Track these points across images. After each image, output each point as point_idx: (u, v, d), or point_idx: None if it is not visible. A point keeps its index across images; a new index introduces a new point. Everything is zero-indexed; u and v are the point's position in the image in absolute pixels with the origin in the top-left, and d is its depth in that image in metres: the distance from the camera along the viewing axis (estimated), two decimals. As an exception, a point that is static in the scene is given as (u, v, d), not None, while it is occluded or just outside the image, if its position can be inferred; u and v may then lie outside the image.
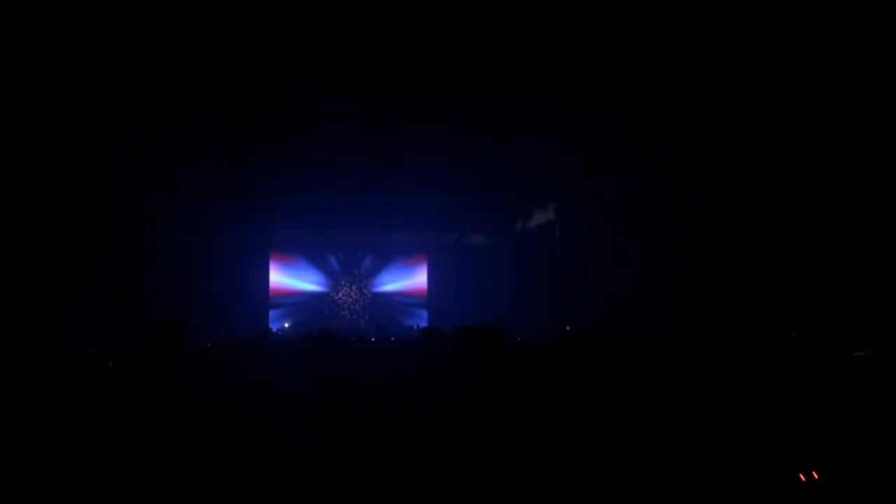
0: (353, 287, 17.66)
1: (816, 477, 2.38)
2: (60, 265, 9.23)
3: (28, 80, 7.47)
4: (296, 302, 17.35)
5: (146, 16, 6.62)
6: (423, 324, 16.85)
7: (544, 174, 12.41)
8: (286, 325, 16.80)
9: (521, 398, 3.93)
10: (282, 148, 11.29)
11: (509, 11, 6.78)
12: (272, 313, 16.98)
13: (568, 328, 12.74)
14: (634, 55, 7.54)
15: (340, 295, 17.62)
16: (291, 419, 3.38)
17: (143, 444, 2.81)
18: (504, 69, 8.09)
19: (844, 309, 7.05)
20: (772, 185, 8.40)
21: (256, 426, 3.15)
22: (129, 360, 4.97)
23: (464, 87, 8.79)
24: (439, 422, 3.23)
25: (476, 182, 12.90)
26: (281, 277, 17.34)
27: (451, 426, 3.17)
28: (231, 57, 7.62)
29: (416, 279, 17.84)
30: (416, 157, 12.11)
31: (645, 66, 7.74)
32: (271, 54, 7.61)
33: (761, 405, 3.45)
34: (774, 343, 5.58)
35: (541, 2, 6.65)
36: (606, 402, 3.63)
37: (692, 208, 9.86)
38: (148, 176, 11.24)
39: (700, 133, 8.95)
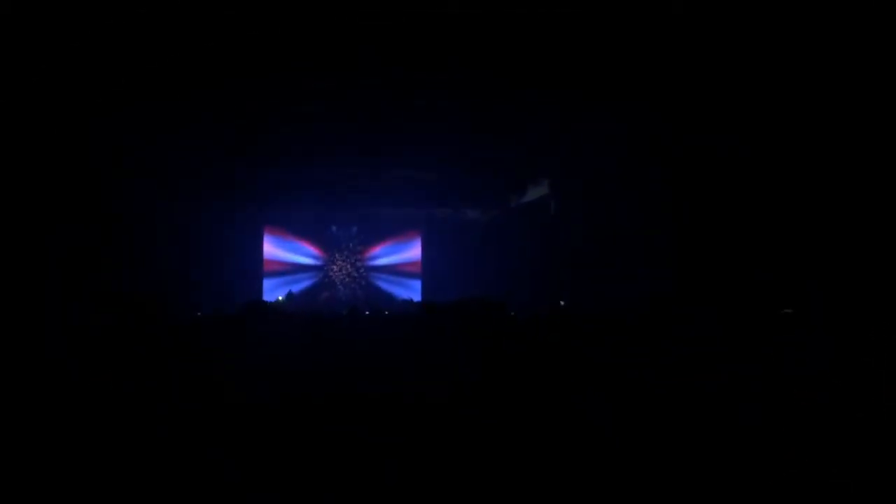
0: (347, 261, 17.61)
1: None
2: (60, 265, 9.23)
3: (29, 80, 7.48)
4: (290, 275, 17.34)
5: (146, 15, 6.62)
6: (418, 297, 16.83)
7: (541, 159, 12.54)
8: (280, 297, 16.80)
9: (514, 385, 3.94)
10: (281, 147, 11.34)
11: (509, 11, 6.78)
12: (266, 285, 17.01)
13: (562, 303, 12.64)
14: (634, 55, 7.54)
15: (335, 269, 17.57)
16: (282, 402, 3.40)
17: (143, 443, 2.81)
18: (504, 69, 8.09)
19: (844, 309, 7.05)
20: (772, 185, 8.40)
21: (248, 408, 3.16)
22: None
23: (464, 87, 8.80)
24: (432, 412, 3.24)
25: (475, 166, 12.97)
26: (275, 251, 17.29)
27: (444, 417, 3.18)
28: (231, 57, 7.63)
29: (410, 253, 17.77)
30: (414, 157, 12.17)
31: (645, 65, 7.74)
32: (271, 54, 7.61)
33: (761, 405, 3.45)
34: (774, 343, 5.58)
35: (541, 2, 6.65)
36: (606, 401, 3.63)
37: (691, 205, 9.86)
38: (147, 174, 11.26)
39: (700, 133, 8.95)
